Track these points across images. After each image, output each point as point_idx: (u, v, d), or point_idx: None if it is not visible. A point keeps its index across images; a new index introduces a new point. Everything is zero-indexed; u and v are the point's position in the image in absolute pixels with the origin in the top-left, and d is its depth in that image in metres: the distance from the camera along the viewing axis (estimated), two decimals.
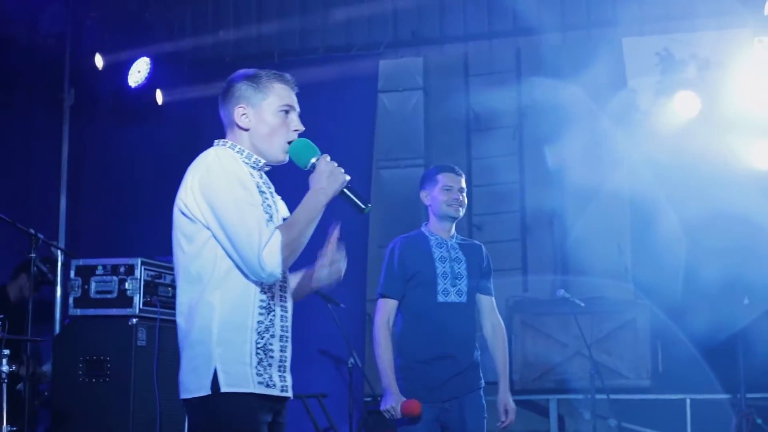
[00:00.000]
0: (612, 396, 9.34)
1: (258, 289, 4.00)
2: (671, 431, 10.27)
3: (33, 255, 7.35)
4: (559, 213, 11.48)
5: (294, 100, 4.23)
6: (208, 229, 3.96)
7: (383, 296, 6.24)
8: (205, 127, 9.12)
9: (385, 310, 6.22)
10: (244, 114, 4.14)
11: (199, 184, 3.97)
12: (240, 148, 4.14)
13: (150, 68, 9.91)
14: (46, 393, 8.73)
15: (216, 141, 4.20)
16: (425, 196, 6.45)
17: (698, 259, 10.01)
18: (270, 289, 4.06)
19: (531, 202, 11.86)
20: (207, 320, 3.94)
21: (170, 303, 8.52)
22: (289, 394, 4.17)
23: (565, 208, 11.38)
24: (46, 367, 8.56)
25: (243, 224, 3.88)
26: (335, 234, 4.25)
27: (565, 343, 10.96)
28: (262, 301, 4.02)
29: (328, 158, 4.07)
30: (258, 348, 3.99)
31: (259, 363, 3.99)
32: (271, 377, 4.04)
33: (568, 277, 11.28)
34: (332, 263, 4.27)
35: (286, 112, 4.18)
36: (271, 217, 4.07)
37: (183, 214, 4.02)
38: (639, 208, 11.02)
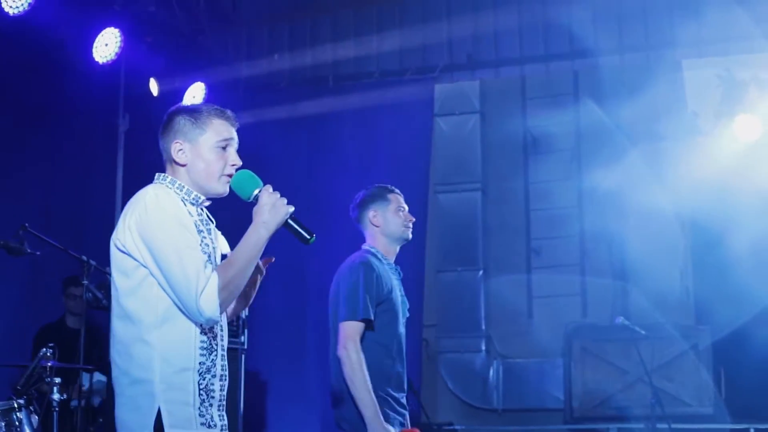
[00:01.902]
0: (674, 425, 9.15)
1: (198, 330, 3.96)
2: None
3: (85, 282, 7.34)
4: (619, 237, 11.31)
5: (233, 135, 4.17)
6: (146, 267, 3.90)
7: (362, 320, 5.66)
8: (259, 153, 9.08)
9: (358, 334, 5.66)
10: (180, 149, 4.09)
11: (136, 224, 3.91)
12: (180, 184, 4.09)
13: (205, 93, 9.93)
14: (101, 420, 8.71)
15: (157, 175, 4.14)
16: (373, 216, 6.03)
17: (760, 283, 9.82)
18: (211, 329, 4.03)
19: (589, 226, 11.71)
20: (147, 360, 3.88)
21: (229, 330, 8.50)
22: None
23: (624, 232, 11.22)
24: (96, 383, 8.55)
25: (181, 269, 3.83)
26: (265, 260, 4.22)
27: (625, 369, 10.79)
28: (203, 341, 3.99)
29: (270, 189, 4.02)
30: (201, 389, 3.96)
31: (201, 404, 3.96)
32: (212, 417, 4.01)
33: (627, 302, 11.13)
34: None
35: (224, 147, 4.12)
36: (209, 256, 4.01)
37: (119, 250, 3.96)
38: (700, 231, 10.84)
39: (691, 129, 10.84)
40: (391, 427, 5.57)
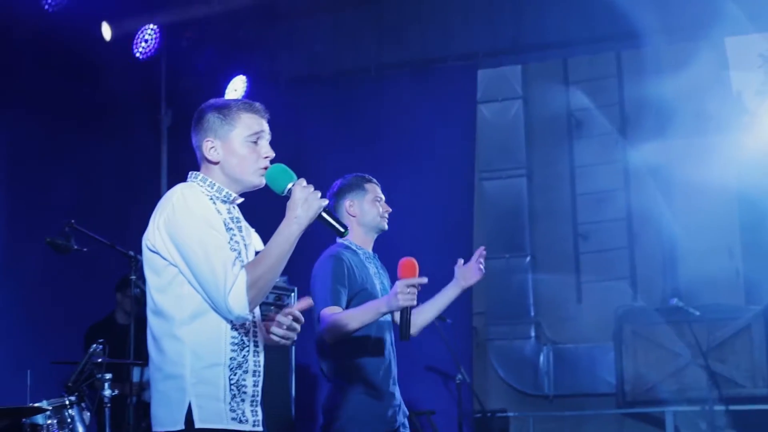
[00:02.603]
0: (731, 407, 9.07)
1: (229, 326, 3.97)
2: None
3: (133, 277, 7.35)
4: (667, 218, 11.23)
5: (263, 127, 4.17)
6: (176, 266, 3.92)
7: (333, 305, 5.44)
8: (302, 145, 9.07)
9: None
10: (212, 147, 4.11)
11: (165, 224, 3.93)
12: (211, 182, 4.11)
13: (246, 87, 9.91)
14: None
15: (189, 173, 4.17)
16: (350, 206, 5.84)
17: None
18: (243, 325, 4.02)
19: (637, 208, 11.63)
20: (179, 355, 3.91)
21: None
22: (260, 428, 4.11)
23: (672, 213, 11.14)
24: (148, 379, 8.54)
25: (208, 268, 3.84)
26: (303, 304, 4.16)
27: (677, 352, 10.73)
28: (234, 337, 3.99)
29: (304, 183, 3.95)
30: (231, 384, 3.97)
31: (232, 399, 3.96)
32: (243, 413, 4.01)
33: (678, 283, 11.04)
34: (288, 329, 4.07)
35: (255, 141, 4.13)
36: (239, 253, 4.03)
37: (149, 249, 3.99)
38: (748, 210, 10.73)
39: (736, 108, 10.71)
40: (391, 295, 5.16)
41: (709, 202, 10.73)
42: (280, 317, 4.08)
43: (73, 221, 7.17)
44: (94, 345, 6.49)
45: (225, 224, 4.03)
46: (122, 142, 9.69)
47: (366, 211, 5.85)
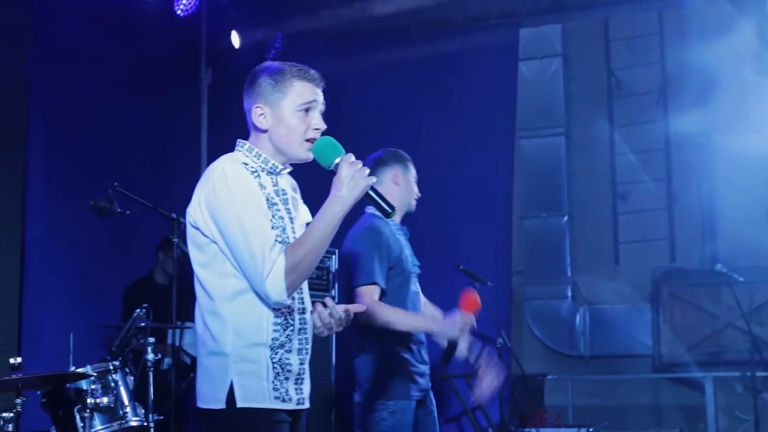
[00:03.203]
0: None
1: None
2: None
3: (176, 239, 7.32)
4: (707, 179, 11.15)
5: (316, 97, 4.02)
6: (217, 244, 3.83)
7: (375, 283, 5.57)
8: (341, 104, 9.01)
9: (376, 296, 5.57)
10: (261, 114, 3.97)
11: (206, 201, 3.82)
12: (257, 153, 3.99)
13: (285, 45, 9.83)
14: (192, 375, 8.75)
15: (237, 142, 4.05)
16: (395, 175, 5.89)
17: None
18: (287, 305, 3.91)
19: (677, 168, 11.55)
20: (221, 333, 3.84)
21: (319, 285, 8.47)
22: (306, 405, 4.03)
23: (713, 174, 11.06)
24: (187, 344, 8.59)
25: (247, 251, 3.74)
26: (356, 308, 4.05)
27: (715, 314, 10.70)
28: (276, 317, 3.87)
29: (352, 158, 3.84)
30: (274, 363, 3.87)
31: (275, 377, 3.87)
32: (287, 391, 3.91)
33: (717, 246, 10.97)
34: (327, 325, 3.99)
35: (306, 110, 3.99)
36: (283, 230, 3.92)
37: (191, 225, 3.90)
38: None
39: None
40: (448, 320, 5.44)
41: (750, 164, 10.61)
42: (321, 311, 3.95)
43: (116, 184, 7.14)
44: (138, 310, 6.49)
45: (269, 199, 3.92)
46: (162, 101, 9.64)
47: (408, 188, 5.91)
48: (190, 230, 3.91)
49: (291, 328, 3.93)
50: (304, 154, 3.98)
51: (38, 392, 6.08)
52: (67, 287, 8.52)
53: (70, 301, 8.46)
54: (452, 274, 8.13)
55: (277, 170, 4.02)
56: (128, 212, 7.24)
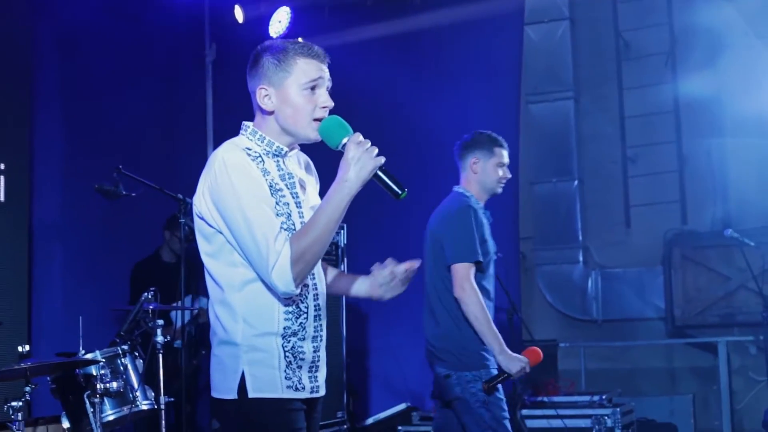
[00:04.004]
0: None
1: None
2: None
3: (182, 220, 7.33)
4: (717, 141, 11.08)
5: (322, 74, 3.90)
6: (223, 234, 3.76)
7: (474, 262, 5.91)
8: (346, 75, 8.97)
9: (472, 274, 5.92)
10: (266, 95, 3.86)
11: (209, 191, 3.75)
12: (261, 136, 3.90)
13: (290, 17, 9.79)
14: (203, 352, 8.78)
15: (242, 124, 3.95)
16: (475, 164, 6.19)
17: None
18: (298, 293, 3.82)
19: (687, 131, 11.47)
20: (231, 323, 3.78)
21: (329, 261, 8.47)
22: (320, 393, 3.97)
23: (723, 136, 10.98)
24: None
25: (252, 243, 3.66)
26: (410, 266, 4.01)
27: (727, 276, 10.68)
28: (288, 305, 3.80)
29: (360, 138, 3.71)
30: (286, 351, 3.80)
31: (288, 366, 3.80)
32: (300, 380, 3.84)
33: (728, 207, 10.92)
34: (391, 286, 4.04)
35: (313, 88, 3.87)
36: (288, 216, 3.82)
37: (198, 216, 3.84)
38: None
39: None
40: (518, 355, 5.90)
41: (761, 126, 10.55)
42: (380, 273, 4.01)
43: (120, 167, 7.15)
44: (145, 293, 6.50)
45: (272, 185, 3.82)
46: (166, 79, 9.64)
47: (488, 173, 6.17)
48: (196, 220, 3.85)
49: (304, 315, 3.86)
50: (313, 134, 3.88)
51: (48, 378, 6.12)
52: (75, 270, 8.55)
53: (78, 283, 8.50)
54: None
55: (283, 152, 3.93)
56: (134, 194, 7.25)
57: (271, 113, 3.89)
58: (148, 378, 6.41)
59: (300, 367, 3.84)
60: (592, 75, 12.00)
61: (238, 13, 9.76)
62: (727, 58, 10.46)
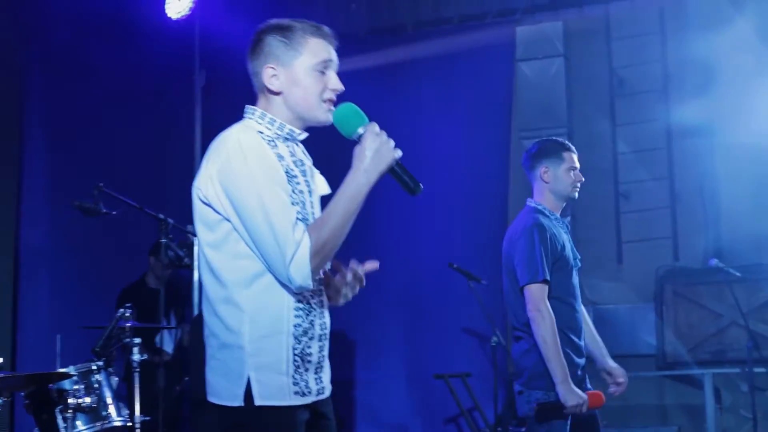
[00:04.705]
0: None
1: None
2: None
3: (163, 240, 7.31)
4: (710, 177, 11.06)
5: (332, 56, 3.83)
6: (230, 222, 3.59)
7: (544, 281, 5.84)
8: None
9: (544, 294, 5.84)
10: (274, 75, 3.74)
11: (218, 174, 3.57)
12: (271, 119, 3.75)
13: None
14: (186, 378, 8.73)
15: (246, 108, 3.81)
16: (545, 173, 6.11)
17: None
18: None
19: (680, 167, 11.44)
20: (237, 323, 3.59)
21: None
22: (326, 394, 3.83)
23: (715, 173, 10.97)
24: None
25: (269, 232, 3.48)
26: (369, 266, 3.88)
27: (719, 312, 10.61)
28: (298, 301, 3.65)
29: (377, 128, 3.65)
30: (295, 355, 3.64)
31: (296, 370, 3.64)
32: (307, 384, 3.68)
33: (721, 244, 10.88)
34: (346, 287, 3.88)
35: (323, 71, 3.78)
36: (303, 205, 3.68)
37: (201, 201, 3.63)
38: None
39: None
40: (579, 390, 5.75)
41: (754, 162, 10.54)
42: (345, 275, 3.81)
43: (101, 184, 7.14)
44: (122, 309, 6.48)
45: (288, 172, 3.68)
46: (156, 103, 9.66)
47: (560, 179, 6.10)
48: (199, 207, 3.65)
49: (314, 313, 3.71)
50: (324, 116, 3.78)
51: (22, 394, 6.10)
52: (61, 289, 8.54)
53: (64, 303, 8.49)
54: (446, 272, 8.09)
55: (294, 136, 3.78)
56: (114, 213, 7.24)
57: (278, 94, 3.76)
58: (128, 396, 6.39)
59: (307, 369, 3.70)
60: (586, 111, 11.98)
61: (228, 40, 9.77)
62: (719, 92, 10.46)
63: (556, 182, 6.10)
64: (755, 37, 10.42)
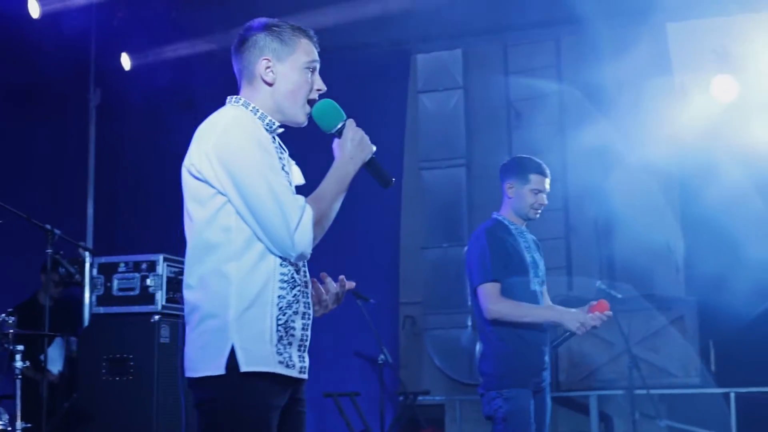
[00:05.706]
0: (656, 391, 9.08)
1: (278, 261, 3.66)
2: (719, 427, 9.95)
3: (49, 251, 7.23)
4: (605, 212, 11.22)
5: (318, 58, 3.91)
6: (224, 195, 3.64)
7: (495, 280, 6.07)
8: None
9: (495, 293, 6.06)
10: (268, 67, 3.82)
11: (215, 149, 3.64)
12: (254, 108, 3.81)
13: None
14: (75, 395, 8.63)
15: (229, 98, 3.88)
16: (509, 188, 6.40)
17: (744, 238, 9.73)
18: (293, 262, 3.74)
19: (575, 200, 11.61)
20: (222, 293, 3.61)
21: None
22: (306, 376, 3.83)
23: (610, 209, 11.12)
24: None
25: (273, 201, 3.58)
26: (349, 285, 4.00)
27: (611, 341, 10.73)
28: (283, 274, 3.68)
29: (354, 124, 3.82)
30: (279, 325, 3.66)
31: (279, 341, 3.66)
32: (290, 357, 3.71)
33: (614, 273, 11.05)
34: (323, 303, 3.97)
35: (312, 70, 3.87)
36: (290, 185, 3.77)
37: (195, 177, 3.69)
38: (689, 196, 10.72)
39: (676, 90, 10.75)
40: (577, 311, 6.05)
41: (649, 189, 10.74)
42: (318, 288, 3.92)
43: None
44: (3, 315, 6.40)
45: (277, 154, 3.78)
46: (52, 121, 9.62)
47: (522, 198, 6.38)
48: (191, 183, 3.72)
49: (298, 288, 3.74)
50: (302, 117, 3.87)
51: None
52: None
53: None
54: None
55: (273, 127, 3.84)
56: (1, 221, 7.16)
57: (269, 86, 3.83)
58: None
59: (290, 343, 3.72)
60: (484, 143, 12.14)
61: (125, 61, 9.77)
62: (614, 123, 10.64)
63: (518, 200, 6.38)
64: (650, 66, 10.64)
